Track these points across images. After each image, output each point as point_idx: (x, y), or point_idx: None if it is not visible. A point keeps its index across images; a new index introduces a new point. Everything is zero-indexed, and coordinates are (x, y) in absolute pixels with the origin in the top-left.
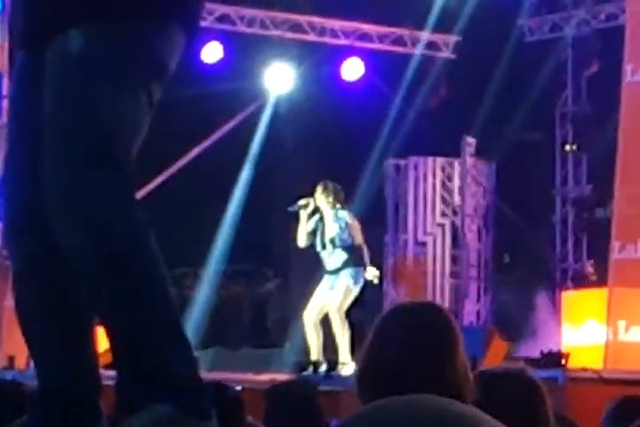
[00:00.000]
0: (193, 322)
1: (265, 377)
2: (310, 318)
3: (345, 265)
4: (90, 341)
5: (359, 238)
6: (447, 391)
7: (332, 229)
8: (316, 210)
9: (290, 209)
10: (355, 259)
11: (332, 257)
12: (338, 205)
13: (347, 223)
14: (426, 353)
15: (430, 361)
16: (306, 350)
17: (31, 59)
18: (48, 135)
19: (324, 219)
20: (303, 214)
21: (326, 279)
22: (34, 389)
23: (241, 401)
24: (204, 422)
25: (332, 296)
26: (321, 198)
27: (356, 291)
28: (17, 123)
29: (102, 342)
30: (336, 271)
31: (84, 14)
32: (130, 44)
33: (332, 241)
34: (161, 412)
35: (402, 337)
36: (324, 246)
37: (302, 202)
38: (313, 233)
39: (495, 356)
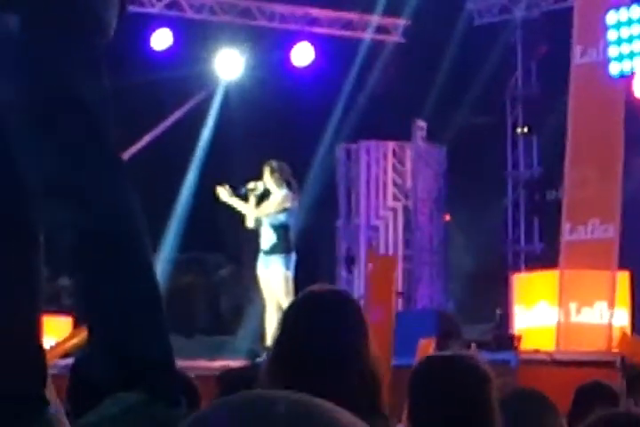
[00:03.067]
0: None
1: (218, 364)
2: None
3: (274, 250)
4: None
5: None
6: (358, 376)
7: (270, 209)
8: (267, 192)
9: (238, 193)
10: (284, 244)
11: (264, 237)
12: (284, 185)
13: (284, 205)
14: (335, 339)
15: (340, 347)
16: (260, 337)
17: None
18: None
19: (267, 197)
20: (252, 197)
21: (261, 259)
22: None
23: (196, 389)
24: (173, 409)
25: (275, 287)
26: (268, 179)
27: (291, 275)
28: None
29: (63, 332)
30: (267, 253)
31: None
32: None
33: (267, 221)
34: (130, 398)
35: (311, 323)
36: (260, 224)
37: (250, 185)
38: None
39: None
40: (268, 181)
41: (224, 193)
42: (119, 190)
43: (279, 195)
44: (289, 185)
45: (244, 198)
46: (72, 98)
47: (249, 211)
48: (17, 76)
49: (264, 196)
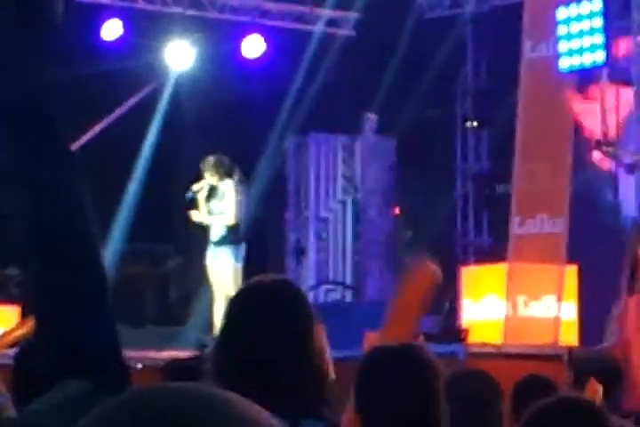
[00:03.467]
0: None
1: (166, 354)
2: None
3: (223, 241)
4: None
5: (238, 213)
6: (303, 366)
7: (215, 202)
8: (213, 188)
9: (187, 197)
10: (233, 236)
11: (214, 228)
12: (224, 177)
13: (226, 196)
14: (280, 328)
15: (284, 336)
16: (209, 328)
17: None
18: None
19: (214, 192)
20: (201, 198)
21: (210, 250)
22: None
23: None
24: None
25: (224, 277)
26: (209, 176)
27: (240, 267)
28: None
29: (9, 321)
30: (217, 244)
31: None
32: None
33: (213, 212)
34: (76, 387)
35: (255, 312)
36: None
37: (195, 187)
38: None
39: None
40: (209, 177)
41: (196, 214)
42: (70, 181)
43: (229, 190)
44: (231, 176)
45: (192, 202)
46: (24, 86)
47: (210, 219)
48: None
49: (211, 191)
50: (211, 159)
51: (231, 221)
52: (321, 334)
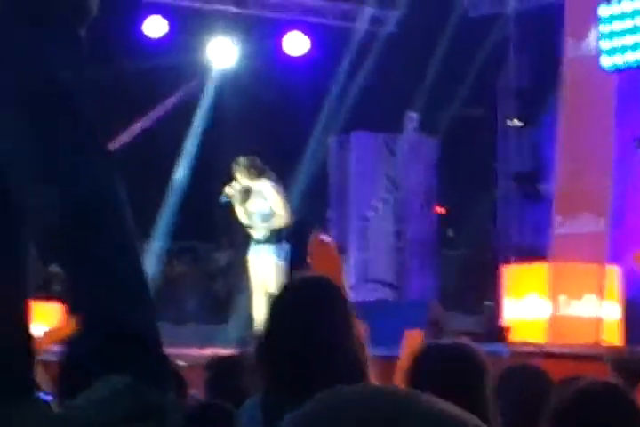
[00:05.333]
0: None
1: (209, 352)
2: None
3: (267, 240)
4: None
5: (289, 213)
6: (344, 359)
7: (254, 203)
8: (248, 189)
9: (220, 202)
10: (277, 234)
11: (256, 227)
12: (258, 178)
13: (269, 196)
14: (322, 325)
15: (326, 333)
16: (250, 325)
17: None
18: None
19: (249, 193)
20: (235, 201)
21: (253, 248)
22: None
23: (182, 377)
24: (162, 394)
25: (266, 275)
26: (241, 177)
27: (282, 265)
28: None
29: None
30: (260, 242)
31: None
32: None
33: (255, 213)
34: (120, 381)
35: (296, 310)
36: (249, 218)
37: (229, 191)
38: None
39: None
40: (241, 178)
41: (236, 200)
42: (101, 175)
43: (268, 190)
44: (264, 177)
45: (227, 206)
46: (55, 84)
47: (251, 220)
48: None
49: (247, 192)
50: (241, 160)
51: (286, 221)
52: (360, 331)
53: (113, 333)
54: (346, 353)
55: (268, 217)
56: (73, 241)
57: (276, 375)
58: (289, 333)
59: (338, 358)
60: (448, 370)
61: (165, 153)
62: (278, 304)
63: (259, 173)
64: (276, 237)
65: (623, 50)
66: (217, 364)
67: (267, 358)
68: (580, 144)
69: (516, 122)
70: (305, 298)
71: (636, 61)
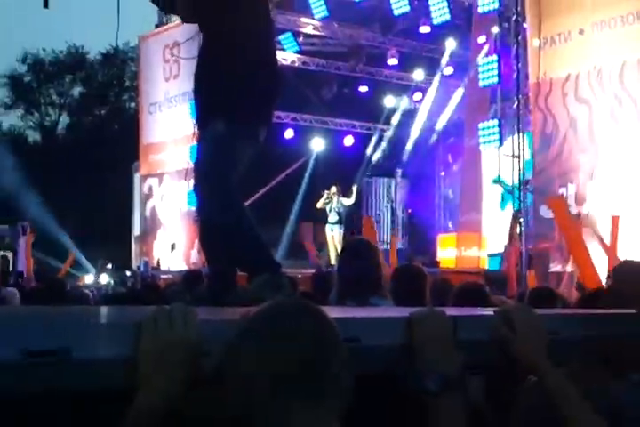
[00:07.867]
0: None
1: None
2: None
3: (336, 222)
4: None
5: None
6: (375, 271)
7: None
8: (330, 198)
9: (319, 206)
10: (341, 219)
11: (331, 214)
12: (340, 196)
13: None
14: (365, 256)
15: (366, 260)
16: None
17: None
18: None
19: (333, 201)
20: (327, 204)
21: (329, 226)
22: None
23: (295, 281)
24: (285, 280)
25: (335, 238)
26: (334, 194)
27: (342, 233)
28: None
29: None
30: (333, 224)
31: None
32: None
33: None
34: (263, 277)
35: (351, 250)
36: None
37: (324, 199)
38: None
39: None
40: (333, 194)
41: (327, 204)
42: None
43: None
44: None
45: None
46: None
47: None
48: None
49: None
50: (333, 188)
51: (319, 205)
52: (381, 260)
53: (255, 263)
54: (375, 267)
55: (339, 210)
56: (216, 237)
57: (344, 282)
58: (349, 260)
59: (375, 268)
60: (413, 278)
61: (281, 208)
62: (344, 250)
63: (340, 194)
64: (340, 221)
65: None
66: (317, 276)
67: (340, 273)
68: None
69: None
70: (353, 247)
71: None
